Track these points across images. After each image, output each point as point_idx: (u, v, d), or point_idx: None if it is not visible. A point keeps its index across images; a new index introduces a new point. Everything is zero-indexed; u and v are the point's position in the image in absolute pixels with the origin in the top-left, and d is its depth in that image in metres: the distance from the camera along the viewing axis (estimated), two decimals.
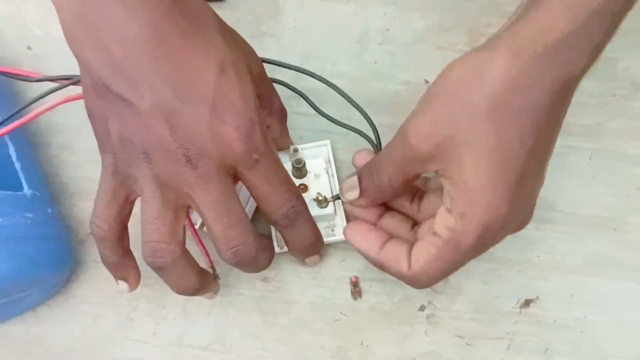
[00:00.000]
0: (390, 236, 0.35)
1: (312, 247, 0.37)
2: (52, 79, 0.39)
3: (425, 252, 0.33)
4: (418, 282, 0.34)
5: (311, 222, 0.35)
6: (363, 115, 0.38)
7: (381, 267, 0.35)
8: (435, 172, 0.32)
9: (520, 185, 0.30)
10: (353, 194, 0.36)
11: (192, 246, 0.37)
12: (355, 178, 0.36)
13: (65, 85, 0.38)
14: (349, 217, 0.38)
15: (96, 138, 0.33)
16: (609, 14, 0.29)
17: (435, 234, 0.32)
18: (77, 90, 0.36)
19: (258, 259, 0.34)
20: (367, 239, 0.35)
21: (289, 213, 0.33)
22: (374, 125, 0.38)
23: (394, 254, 0.34)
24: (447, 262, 0.32)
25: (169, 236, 0.32)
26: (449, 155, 0.30)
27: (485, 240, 0.31)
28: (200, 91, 0.30)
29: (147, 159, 0.31)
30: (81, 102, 0.34)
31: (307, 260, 0.38)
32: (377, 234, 0.35)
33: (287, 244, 0.36)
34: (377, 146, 0.38)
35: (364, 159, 0.37)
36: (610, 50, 0.41)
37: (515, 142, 0.30)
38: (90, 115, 0.33)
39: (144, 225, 0.32)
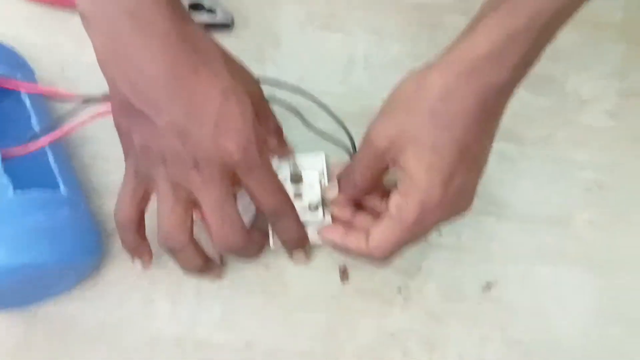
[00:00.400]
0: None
1: (297, 241, 0.43)
2: (86, 99, 0.46)
3: (379, 231, 0.39)
4: (375, 256, 0.40)
5: (296, 219, 0.42)
6: (341, 126, 0.46)
7: (347, 250, 0.41)
8: (390, 163, 0.39)
9: (453, 175, 0.37)
10: (332, 193, 0.44)
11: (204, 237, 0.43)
12: (335, 181, 0.44)
13: (91, 103, 0.45)
14: (333, 218, 0.45)
15: (122, 146, 0.41)
16: (526, 40, 0.36)
17: (387, 214, 0.39)
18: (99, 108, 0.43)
19: (247, 249, 0.41)
20: (335, 232, 0.42)
21: (277, 210, 0.41)
22: (350, 135, 0.46)
23: (356, 237, 0.41)
24: (396, 236, 0.38)
25: (179, 226, 0.39)
26: (399, 149, 0.37)
27: (424, 218, 0.38)
28: (206, 114, 0.37)
29: (164, 164, 0.38)
30: (108, 118, 0.41)
31: (294, 256, 0.45)
32: (343, 228, 0.42)
33: (277, 236, 0.43)
34: (352, 152, 0.46)
35: (339, 168, 0.44)
36: (558, 70, 0.48)
37: (448, 140, 0.37)
38: (117, 128, 0.40)
39: (159, 216, 0.39)
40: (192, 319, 0.45)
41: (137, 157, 0.39)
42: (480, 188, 0.48)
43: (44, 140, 0.43)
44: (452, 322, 0.46)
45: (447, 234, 0.47)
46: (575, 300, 0.47)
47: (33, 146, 0.43)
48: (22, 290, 0.41)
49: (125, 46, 0.36)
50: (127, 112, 0.38)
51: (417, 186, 0.37)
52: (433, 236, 0.47)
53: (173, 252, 0.40)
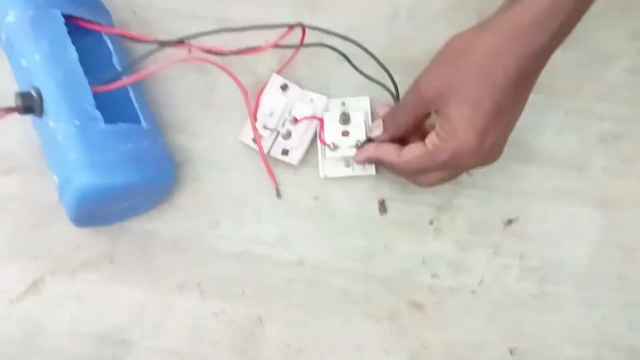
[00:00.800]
0: None
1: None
2: (154, 42, 0.49)
3: (412, 151, 0.45)
4: (401, 168, 0.46)
5: None
6: (387, 73, 0.50)
7: (379, 159, 0.48)
8: (434, 111, 0.44)
9: (488, 131, 0.42)
10: (377, 131, 0.48)
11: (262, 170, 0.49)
12: (379, 120, 0.48)
13: (169, 44, 0.48)
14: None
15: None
16: (566, 8, 0.40)
17: (424, 143, 0.44)
18: (175, 51, 0.48)
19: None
20: (368, 148, 0.49)
21: None
22: (394, 81, 0.50)
23: (389, 149, 0.47)
24: (423, 164, 0.45)
25: None
26: (443, 100, 0.42)
27: (453, 162, 0.44)
28: None
29: None
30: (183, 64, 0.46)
31: None
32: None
33: None
34: (396, 97, 0.50)
35: (382, 109, 0.50)
36: (586, 28, 0.51)
37: (489, 98, 0.41)
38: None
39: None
40: (252, 238, 0.52)
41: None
42: (512, 135, 0.53)
43: (127, 80, 0.48)
44: (476, 250, 0.52)
45: (477, 175, 0.53)
46: (584, 233, 0.52)
47: (118, 84, 0.47)
48: (112, 208, 0.47)
49: None
50: None
51: (455, 135, 0.43)
52: (464, 176, 0.53)
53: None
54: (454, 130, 0.43)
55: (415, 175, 0.48)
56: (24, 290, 0.50)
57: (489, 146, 0.43)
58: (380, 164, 0.49)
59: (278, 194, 0.52)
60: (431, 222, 0.52)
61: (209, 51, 0.50)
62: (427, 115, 0.46)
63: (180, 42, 0.49)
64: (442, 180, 0.47)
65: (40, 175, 0.52)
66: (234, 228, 0.52)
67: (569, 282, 0.52)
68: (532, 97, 0.53)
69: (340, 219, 0.52)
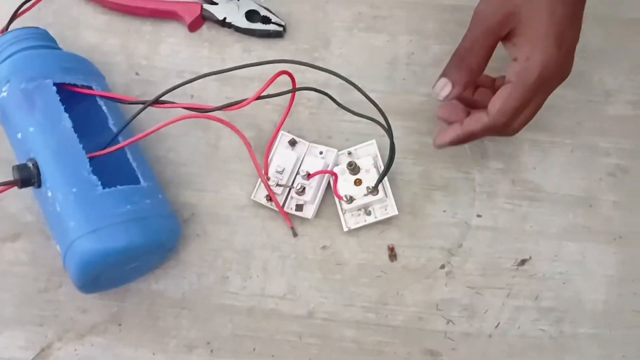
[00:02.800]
0: None
1: None
2: (139, 102, 0.45)
3: (500, 98, 0.40)
4: (498, 123, 0.41)
5: None
6: (380, 112, 0.44)
7: (471, 134, 0.42)
8: (505, 35, 0.40)
9: (564, 38, 0.39)
10: (446, 90, 0.41)
11: (279, 223, 0.45)
12: (443, 78, 0.41)
13: (150, 104, 0.44)
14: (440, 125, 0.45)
15: None
16: None
17: (506, 82, 0.40)
18: (178, 111, 0.44)
19: None
20: (449, 131, 0.43)
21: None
22: (385, 117, 0.44)
23: (473, 118, 0.42)
24: (517, 99, 0.40)
25: None
26: (516, 18, 0.39)
27: (544, 78, 0.39)
28: None
29: None
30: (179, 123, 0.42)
31: None
32: (461, 108, 0.44)
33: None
34: (388, 130, 0.43)
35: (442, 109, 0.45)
36: (587, 66, 0.48)
37: (561, 6, 0.38)
38: None
39: None
40: (261, 293, 0.47)
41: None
42: (516, 174, 0.48)
43: (122, 144, 0.44)
44: (490, 293, 0.46)
45: (486, 217, 0.48)
46: (598, 270, 0.47)
47: (113, 148, 0.43)
48: (117, 272, 0.43)
49: None
50: None
51: (538, 47, 0.39)
52: (473, 218, 0.48)
53: None
54: (535, 43, 0.39)
55: (511, 123, 0.42)
56: (32, 359, 0.45)
57: (565, 53, 0.40)
58: (473, 139, 0.43)
59: (294, 234, 0.47)
60: (442, 267, 0.47)
61: (194, 108, 0.46)
62: (495, 45, 0.41)
63: (160, 101, 0.45)
64: (530, 117, 0.43)
65: (46, 240, 0.47)
66: (241, 283, 0.47)
67: (586, 321, 0.46)
68: (536, 137, 0.49)
69: (349, 268, 0.47)
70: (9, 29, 0.50)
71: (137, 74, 0.52)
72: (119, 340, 0.46)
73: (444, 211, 0.48)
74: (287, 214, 0.47)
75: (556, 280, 0.47)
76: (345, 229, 0.47)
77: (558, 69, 0.40)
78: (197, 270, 0.47)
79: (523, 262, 0.47)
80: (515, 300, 0.46)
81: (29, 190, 0.48)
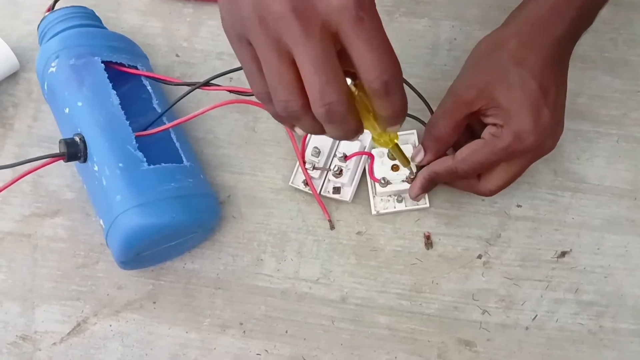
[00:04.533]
0: None
1: (401, 115, 0.33)
2: (186, 84, 0.48)
3: (468, 148, 0.43)
4: (459, 171, 0.43)
5: (403, 91, 0.32)
6: (424, 102, 0.47)
7: (435, 174, 0.45)
8: (479, 109, 0.42)
9: (540, 110, 0.40)
10: (419, 156, 0.45)
11: (314, 207, 0.46)
12: (419, 146, 0.45)
13: (197, 87, 0.47)
14: None
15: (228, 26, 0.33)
16: None
17: (480, 138, 0.42)
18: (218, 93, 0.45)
19: (348, 119, 0.31)
20: (421, 171, 0.46)
21: (389, 81, 0.30)
22: (427, 102, 0.48)
23: (441, 160, 0.44)
24: (484, 155, 0.42)
25: (293, 92, 0.31)
26: (489, 95, 0.41)
27: (515, 146, 0.41)
28: None
29: (258, 21, 0.30)
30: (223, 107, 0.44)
31: (389, 129, 0.34)
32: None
33: (377, 112, 0.33)
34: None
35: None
36: (634, 55, 0.48)
37: (531, 78, 0.40)
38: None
39: (270, 84, 0.31)
40: (295, 276, 0.48)
41: (232, 22, 0.32)
42: (558, 164, 0.49)
43: (168, 125, 0.46)
44: (528, 285, 0.47)
45: (526, 207, 0.48)
46: None
47: (159, 129, 0.45)
48: (158, 248, 0.45)
49: None
50: None
51: (511, 118, 0.41)
52: (512, 207, 0.48)
53: (296, 120, 0.32)
54: (509, 114, 0.41)
55: (477, 180, 0.45)
56: (68, 332, 0.47)
57: (545, 124, 0.41)
58: (437, 181, 0.46)
59: (332, 226, 0.49)
60: (480, 256, 0.48)
61: (237, 91, 0.48)
62: (466, 119, 0.43)
63: (206, 84, 0.47)
64: (504, 182, 0.44)
65: (85, 217, 0.50)
66: (276, 266, 0.48)
67: (627, 316, 0.46)
68: (581, 126, 0.50)
69: (384, 255, 0.48)
70: (55, 8, 0.52)
71: (177, 55, 0.54)
72: (154, 317, 0.47)
73: (483, 200, 0.48)
74: (323, 203, 0.49)
75: (597, 273, 0.47)
76: (374, 212, 0.48)
77: (533, 142, 0.41)
78: (232, 251, 0.49)
79: (563, 254, 0.47)
80: (554, 293, 0.47)
81: (69, 168, 0.50)
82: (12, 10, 0.57)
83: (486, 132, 0.42)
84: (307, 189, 0.49)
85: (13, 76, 0.54)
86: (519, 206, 0.48)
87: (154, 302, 0.48)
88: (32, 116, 0.53)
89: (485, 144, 0.42)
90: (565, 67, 0.44)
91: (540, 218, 0.48)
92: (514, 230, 0.48)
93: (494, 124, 0.42)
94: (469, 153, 0.42)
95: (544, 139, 0.42)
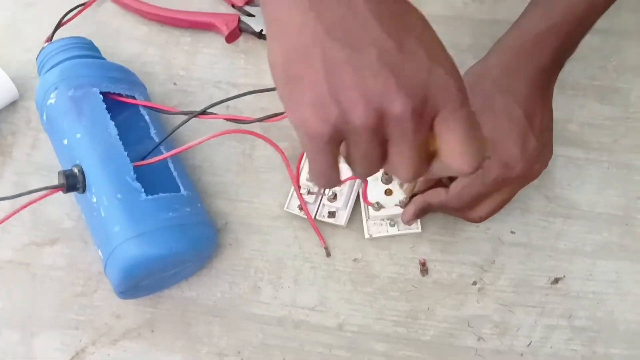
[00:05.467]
0: None
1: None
2: (183, 113, 0.49)
3: (460, 183, 0.44)
4: (453, 205, 0.44)
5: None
6: None
7: (428, 204, 0.45)
8: None
9: (526, 137, 0.42)
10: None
11: (310, 234, 0.47)
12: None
13: (194, 116, 0.48)
14: None
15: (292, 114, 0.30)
16: (562, 30, 0.43)
17: None
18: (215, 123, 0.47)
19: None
20: (414, 199, 0.46)
21: (480, 165, 0.30)
22: None
23: (434, 191, 0.45)
24: (475, 189, 0.43)
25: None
26: None
27: (504, 175, 0.42)
28: (417, 40, 0.28)
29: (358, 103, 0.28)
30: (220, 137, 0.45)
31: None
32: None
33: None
34: None
35: None
36: (624, 82, 0.49)
37: (516, 106, 0.42)
38: (284, 88, 0.30)
39: (353, 162, 0.31)
40: (291, 303, 0.49)
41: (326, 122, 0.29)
42: (550, 191, 0.50)
43: (166, 155, 0.47)
44: (522, 311, 0.48)
45: (519, 233, 0.50)
46: (633, 290, 0.48)
47: (157, 158, 0.46)
48: (156, 278, 0.45)
49: None
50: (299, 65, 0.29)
51: (498, 148, 0.42)
52: (505, 234, 0.50)
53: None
54: (494, 143, 0.42)
55: (468, 209, 0.45)
56: None
57: (532, 151, 0.43)
58: (429, 210, 0.47)
59: (328, 253, 0.50)
60: (474, 283, 0.49)
61: (236, 120, 0.49)
62: None
63: (203, 112, 0.48)
64: (494, 209, 0.46)
65: (83, 246, 0.51)
66: (272, 293, 0.49)
67: (620, 342, 0.47)
68: (572, 153, 0.51)
69: (380, 281, 0.49)
70: (54, 38, 0.53)
71: (175, 84, 0.56)
72: (152, 345, 0.48)
73: (477, 226, 0.50)
74: (319, 229, 0.50)
75: (590, 299, 0.48)
76: (367, 236, 0.49)
77: (521, 169, 0.43)
78: (229, 278, 0.50)
79: (556, 280, 0.48)
80: (548, 319, 0.48)
81: (68, 197, 0.51)
82: (11, 38, 0.58)
83: None
84: (302, 214, 0.50)
85: (12, 105, 0.55)
86: (512, 232, 0.50)
87: (152, 330, 0.49)
88: (31, 144, 0.54)
89: (475, 177, 0.43)
90: (550, 94, 0.45)
91: (533, 244, 0.49)
92: (508, 257, 0.49)
93: None
94: (462, 188, 0.43)
95: (532, 164, 0.44)
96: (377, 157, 0.30)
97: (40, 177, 0.53)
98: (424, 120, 0.28)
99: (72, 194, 0.50)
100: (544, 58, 0.44)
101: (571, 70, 0.53)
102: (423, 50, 0.28)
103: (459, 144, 0.29)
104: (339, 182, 0.32)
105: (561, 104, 0.50)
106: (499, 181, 0.43)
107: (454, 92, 0.28)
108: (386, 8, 0.29)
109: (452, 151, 0.29)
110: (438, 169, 0.31)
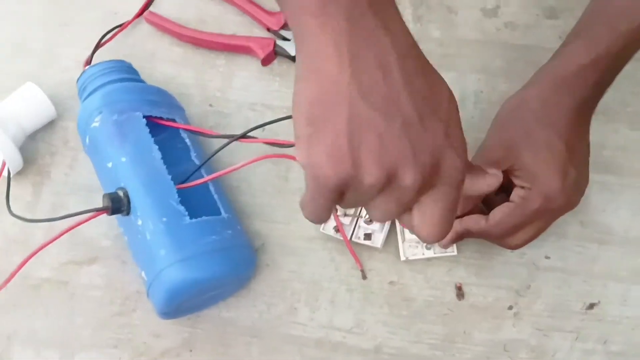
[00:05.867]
0: None
1: None
2: (224, 137, 0.49)
3: (500, 212, 0.44)
4: (492, 233, 0.45)
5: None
6: None
7: (467, 232, 0.46)
8: (510, 168, 0.43)
9: (567, 169, 0.42)
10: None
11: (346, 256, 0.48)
12: None
13: (235, 139, 0.48)
14: None
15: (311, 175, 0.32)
16: (604, 64, 0.44)
17: (510, 201, 0.43)
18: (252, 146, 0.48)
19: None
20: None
21: (439, 241, 0.34)
22: None
23: (474, 218, 0.45)
24: (515, 219, 0.44)
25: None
26: (516, 155, 0.43)
27: (544, 207, 0.43)
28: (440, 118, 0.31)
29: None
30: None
31: None
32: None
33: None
34: None
35: None
36: None
37: (557, 138, 0.42)
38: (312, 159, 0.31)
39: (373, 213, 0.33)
40: (328, 325, 0.50)
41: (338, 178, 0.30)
42: (585, 216, 0.51)
43: (209, 177, 0.47)
44: (558, 336, 0.49)
45: (554, 258, 0.50)
46: None
47: (200, 181, 0.47)
48: (198, 299, 0.46)
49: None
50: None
51: (539, 180, 0.42)
52: (541, 259, 0.50)
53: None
54: (536, 176, 0.43)
55: (506, 236, 0.46)
56: None
57: (572, 183, 0.43)
58: (467, 236, 0.47)
59: (364, 276, 0.50)
60: (510, 307, 0.49)
61: (276, 143, 0.50)
62: None
63: (244, 135, 0.49)
64: (531, 237, 0.46)
65: (121, 265, 0.51)
66: (310, 315, 0.50)
67: None
68: (606, 178, 0.52)
69: (416, 305, 0.50)
70: (92, 60, 0.54)
71: (210, 105, 0.56)
72: None
73: (512, 251, 0.50)
74: (355, 252, 0.50)
75: (625, 324, 0.49)
76: (403, 258, 0.50)
77: (562, 201, 0.43)
78: (266, 300, 0.50)
79: (592, 305, 0.49)
80: (583, 344, 0.48)
81: (105, 217, 0.52)
82: (48, 58, 0.59)
83: (516, 195, 0.44)
84: (338, 235, 0.51)
85: (50, 124, 0.56)
86: (547, 257, 0.50)
87: (191, 350, 0.49)
88: (69, 165, 0.55)
89: (516, 207, 0.43)
90: (588, 125, 0.46)
91: (568, 269, 0.50)
92: (543, 281, 0.50)
93: (522, 187, 0.43)
94: (502, 217, 0.44)
95: (571, 196, 0.44)
96: (365, 203, 0.32)
97: (79, 197, 0.54)
98: (421, 191, 0.31)
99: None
100: (585, 91, 0.44)
101: (604, 97, 0.54)
102: (442, 129, 0.31)
103: (435, 220, 0.32)
104: (327, 220, 0.36)
105: (595, 130, 0.50)
106: (539, 211, 0.44)
107: (456, 176, 0.32)
108: (419, 82, 0.31)
109: (424, 223, 0.33)
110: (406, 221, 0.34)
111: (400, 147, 0.30)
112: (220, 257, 0.44)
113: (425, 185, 0.31)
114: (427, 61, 0.32)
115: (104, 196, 0.44)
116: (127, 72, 0.51)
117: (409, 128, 0.30)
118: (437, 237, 0.33)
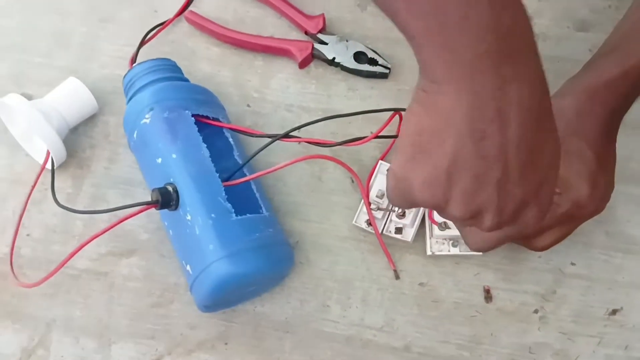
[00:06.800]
0: None
1: None
2: (267, 136, 0.52)
3: (531, 216, 0.44)
4: (522, 231, 0.45)
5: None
6: None
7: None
8: None
9: (596, 177, 0.45)
10: None
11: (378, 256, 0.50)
12: None
13: (278, 138, 0.51)
14: None
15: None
16: (635, 76, 0.46)
17: None
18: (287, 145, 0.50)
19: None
20: None
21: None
22: None
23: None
24: (545, 220, 0.43)
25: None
26: None
27: (572, 212, 0.46)
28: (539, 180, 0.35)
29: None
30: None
31: None
32: None
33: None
34: None
35: None
36: None
37: (588, 148, 0.45)
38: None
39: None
40: (360, 322, 0.52)
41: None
42: (610, 226, 0.53)
43: (253, 176, 0.50)
44: (582, 340, 0.51)
45: (580, 265, 0.53)
46: None
47: (245, 179, 0.49)
48: (238, 294, 0.48)
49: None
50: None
51: (569, 187, 0.45)
52: (567, 266, 0.53)
53: None
54: (567, 182, 0.45)
55: (533, 237, 0.48)
56: None
57: (601, 191, 0.46)
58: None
59: (397, 276, 0.52)
60: (536, 311, 0.52)
61: (317, 143, 0.52)
62: None
63: (287, 135, 0.51)
64: (557, 239, 0.48)
65: (159, 258, 0.54)
66: (341, 312, 0.52)
67: None
68: (632, 190, 0.55)
69: (445, 306, 0.52)
70: (137, 58, 0.56)
71: (248, 105, 0.59)
72: (225, 358, 0.51)
73: (539, 257, 0.53)
74: (389, 252, 0.53)
75: None
76: (429, 253, 0.52)
77: (590, 207, 0.46)
78: (300, 296, 0.52)
79: (614, 311, 0.51)
80: (606, 349, 0.51)
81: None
82: (89, 54, 0.61)
83: None
84: (369, 229, 0.53)
85: (91, 118, 0.58)
86: (573, 264, 0.53)
87: (226, 343, 0.51)
88: (109, 158, 0.57)
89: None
90: (616, 134, 0.49)
91: (593, 276, 0.52)
92: (569, 287, 0.52)
93: None
94: (534, 222, 0.46)
95: (598, 203, 0.47)
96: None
97: (118, 191, 0.56)
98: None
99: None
100: (616, 102, 0.47)
101: (631, 109, 0.56)
102: (536, 185, 0.34)
103: (487, 244, 0.40)
104: None
105: (622, 142, 0.52)
106: (567, 216, 0.46)
107: (531, 227, 0.37)
108: (532, 136, 0.32)
109: (476, 240, 0.40)
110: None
111: (491, 194, 0.33)
112: (263, 254, 0.47)
113: (501, 226, 0.35)
114: (548, 108, 0.34)
115: (153, 190, 0.46)
116: (174, 71, 0.54)
117: (505, 178, 0.32)
118: (481, 251, 0.40)
